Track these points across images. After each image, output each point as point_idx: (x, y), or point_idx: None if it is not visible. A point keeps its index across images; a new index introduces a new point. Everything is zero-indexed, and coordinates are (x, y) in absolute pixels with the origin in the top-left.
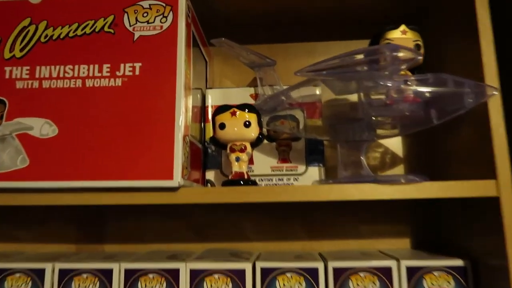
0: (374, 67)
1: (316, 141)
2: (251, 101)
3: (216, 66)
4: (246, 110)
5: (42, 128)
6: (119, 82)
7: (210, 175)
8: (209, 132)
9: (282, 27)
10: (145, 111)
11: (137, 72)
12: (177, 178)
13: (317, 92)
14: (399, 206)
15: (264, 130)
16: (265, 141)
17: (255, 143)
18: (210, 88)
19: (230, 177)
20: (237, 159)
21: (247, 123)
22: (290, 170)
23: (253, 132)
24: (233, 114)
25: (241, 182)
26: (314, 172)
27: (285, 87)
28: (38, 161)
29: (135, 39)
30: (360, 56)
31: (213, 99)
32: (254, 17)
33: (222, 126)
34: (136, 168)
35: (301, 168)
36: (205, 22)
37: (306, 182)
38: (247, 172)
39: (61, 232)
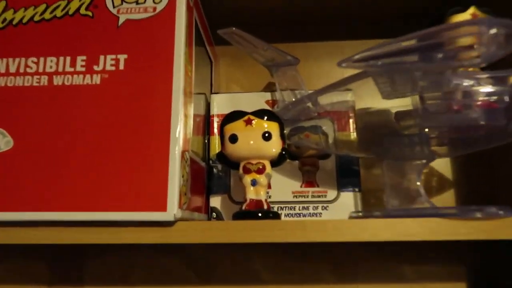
0: (451, 55)
1: (349, 159)
2: (265, 107)
3: (223, 68)
4: (265, 117)
5: None
6: (97, 79)
7: (215, 201)
8: (215, 147)
9: (300, 24)
10: (131, 119)
11: (121, 67)
12: (173, 209)
13: (350, 98)
14: (451, 241)
15: None
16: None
17: (277, 162)
18: (216, 93)
19: (243, 207)
20: (254, 183)
21: (266, 134)
22: (317, 196)
23: (274, 146)
24: (248, 122)
25: (259, 215)
26: (347, 199)
27: (310, 91)
28: None
29: (119, 24)
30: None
31: (219, 106)
32: (266, 12)
33: (234, 138)
34: (118, 196)
35: (332, 193)
36: (208, 19)
37: (339, 212)
38: (266, 200)
39: (31, 271)
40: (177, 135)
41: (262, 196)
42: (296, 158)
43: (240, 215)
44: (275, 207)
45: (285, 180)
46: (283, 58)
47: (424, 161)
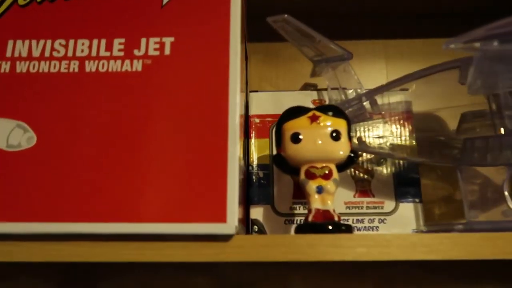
0: None
1: (407, 166)
2: None
3: (254, 66)
4: (331, 113)
5: (11, 134)
6: (138, 66)
7: (257, 213)
8: (252, 152)
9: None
10: (180, 114)
11: (166, 51)
12: (233, 220)
13: (406, 98)
14: None
15: None
16: None
17: (344, 166)
18: (255, 91)
19: (309, 218)
20: (320, 190)
21: (334, 133)
22: (373, 207)
23: (342, 147)
24: (314, 119)
25: (330, 227)
26: (407, 210)
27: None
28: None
29: (165, 1)
30: None
31: (258, 106)
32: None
33: (296, 137)
34: (163, 204)
35: (389, 204)
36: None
37: (398, 225)
38: (334, 210)
39: None
40: (235, 135)
41: (330, 206)
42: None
43: (306, 228)
44: None
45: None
46: (335, 52)
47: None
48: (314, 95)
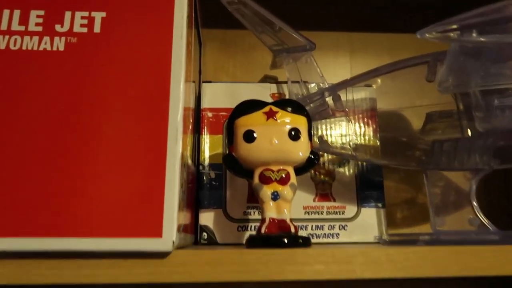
0: None
1: (371, 168)
2: None
3: (209, 55)
4: (289, 109)
5: None
6: (60, 44)
7: (207, 218)
8: (204, 149)
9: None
10: (110, 106)
11: (96, 29)
12: (171, 234)
13: (371, 95)
14: None
15: None
16: None
17: (302, 169)
18: (208, 81)
19: (262, 230)
20: (275, 196)
21: (293, 132)
22: (333, 212)
23: (302, 148)
24: (271, 115)
25: (285, 241)
26: (369, 216)
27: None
28: None
29: None
30: None
31: (211, 98)
32: None
33: (250, 136)
34: (85, 215)
35: (351, 209)
36: None
37: (359, 232)
38: (291, 220)
39: None
40: (176, 130)
41: (286, 215)
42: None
43: (258, 241)
44: None
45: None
46: (297, 42)
47: (482, 169)
48: (273, 88)
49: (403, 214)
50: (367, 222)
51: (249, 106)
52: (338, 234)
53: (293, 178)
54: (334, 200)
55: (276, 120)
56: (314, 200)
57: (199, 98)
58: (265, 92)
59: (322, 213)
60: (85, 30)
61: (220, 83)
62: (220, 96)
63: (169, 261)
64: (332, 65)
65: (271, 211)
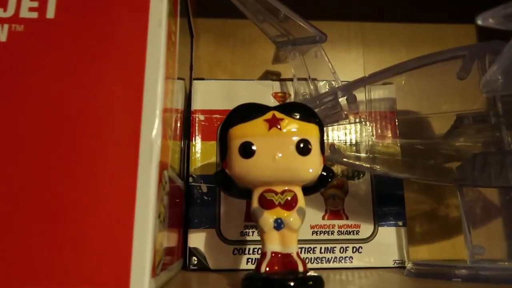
0: None
1: (389, 180)
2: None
3: (204, 48)
4: (299, 115)
5: None
6: (2, 34)
7: (197, 239)
8: (196, 159)
9: None
10: (65, 111)
11: (49, 14)
12: (142, 286)
13: (390, 95)
14: None
15: None
16: None
17: (313, 188)
18: (201, 79)
19: (262, 268)
20: (279, 225)
21: (301, 144)
22: (346, 232)
23: (312, 164)
24: (274, 124)
25: (291, 284)
26: (388, 236)
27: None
28: None
29: None
30: None
31: (203, 98)
32: None
33: (247, 149)
34: (38, 264)
35: (367, 228)
36: None
37: (377, 254)
38: (299, 254)
39: None
40: (152, 143)
41: (293, 248)
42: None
43: (257, 284)
44: None
45: None
46: (305, 32)
47: None
48: (276, 86)
49: (422, 229)
50: (386, 243)
51: (247, 112)
52: (352, 258)
53: (301, 201)
54: (347, 218)
55: (280, 129)
56: (323, 218)
57: (190, 98)
58: (266, 91)
59: (333, 233)
60: (34, 15)
61: (214, 81)
62: (214, 95)
63: None
64: (342, 59)
65: (274, 243)
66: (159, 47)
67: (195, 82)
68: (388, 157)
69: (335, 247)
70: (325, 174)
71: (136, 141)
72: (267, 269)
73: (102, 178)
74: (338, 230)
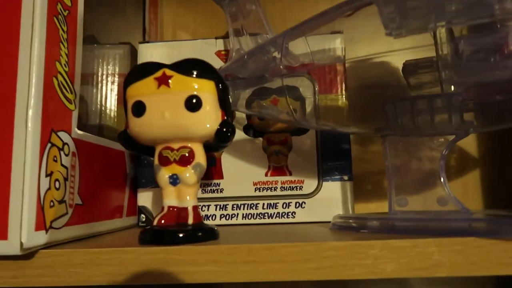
0: None
1: (336, 134)
2: (217, 63)
3: (167, 10)
4: (194, 73)
5: None
6: None
7: (145, 198)
8: None
9: None
10: None
11: None
12: (16, 236)
13: (338, 45)
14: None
15: (241, 114)
16: (243, 136)
17: (216, 144)
18: (146, 42)
19: (155, 221)
20: (174, 180)
21: (193, 100)
22: (289, 188)
23: (207, 119)
24: (162, 81)
25: (180, 235)
26: (333, 191)
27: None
28: None
29: None
30: None
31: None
32: None
33: (139, 108)
34: None
35: (310, 183)
36: None
37: (320, 210)
38: (195, 208)
39: None
40: (28, 108)
41: (189, 202)
42: (259, 134)
43: (148, 236)
44: (230, 205)
45: (243, 165)
46: None
47: (452, 136)
48: (219, 44)
49: (373, 187)
50: (330, 198)
51: (141, 71)
52: (295, 213)
53: (200, 157)
54: (291, 174)
55: (169, 87)
56: (266, 175)
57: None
58: (209, 50)
59: (275, 189)
60: None
61: (159, 43)
62: (159, 58)
63: (34, 262)
64: (310, 11)
65: (170, 198)
66: (33, 12)
67: (140, 46)
68: (334, 110)
69: (278, 202)
70: (224, 129)
71: (12, 104)
72: (162, 222)
73: None
74: (281, 186)
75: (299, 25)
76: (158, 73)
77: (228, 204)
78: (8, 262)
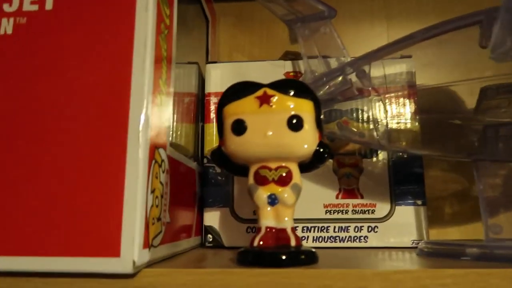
0: None
1: (408, 158)
2: None
3: (224, 32)
4: (291, 92)
5: None
6: (8, 27)
7: (212, 218)
8: (212, 140)
9: None
10: (67, 98)
11: (48, 6)
12: (131, 253)
13: (408, 69)
14: None
15: None
16: None
17: (310, 165)
18: (213, 62)
19: (255, 242)
20: (272, 201)
21: (294, 120)
22: (361, 211)
23: (307, 140)
24: (265, 100)
25: (283, 258)
26: (406, 216)
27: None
28: None
29: None
30: None
31: (217, 81)
32: None
33: (239, 127)
34: (27, 232)
35: (383, 207)
36: None
37: (393, 234)
38: (293, 230)
39: None
40: (140, 124)
41: (287, 223)
42: (330, 156)
43: (249, 258)
44: (299, 227)
45: (313, 187)
46: (313, 9)
47: None
48: (288, 66)
49: (453, 210)
50: (403, 223)
51: (240, 90)
52: (367, 237)
53: (297, 178)
54: (362, 197)
55: (271, 106)
56: (337, 197)
57: (203, 81)
58: (278, 72)
59: (347, 212)
60: (35, 7)
61: (226, 63)
62: (226, 78)
63: (134, 283)
64: (365, 34)
65: (268, 218)
66: (146, 30)
67: (208, 66)
68: (405, 134)
69: (349, 226)
70: (321, 150)
71: (125, 120)
72: (261, 243)
73: (93, 156)
74: (353, 209)
75: (381, 48)
76: (259, 92)
77: (298, 226)
78: (109, 281)
